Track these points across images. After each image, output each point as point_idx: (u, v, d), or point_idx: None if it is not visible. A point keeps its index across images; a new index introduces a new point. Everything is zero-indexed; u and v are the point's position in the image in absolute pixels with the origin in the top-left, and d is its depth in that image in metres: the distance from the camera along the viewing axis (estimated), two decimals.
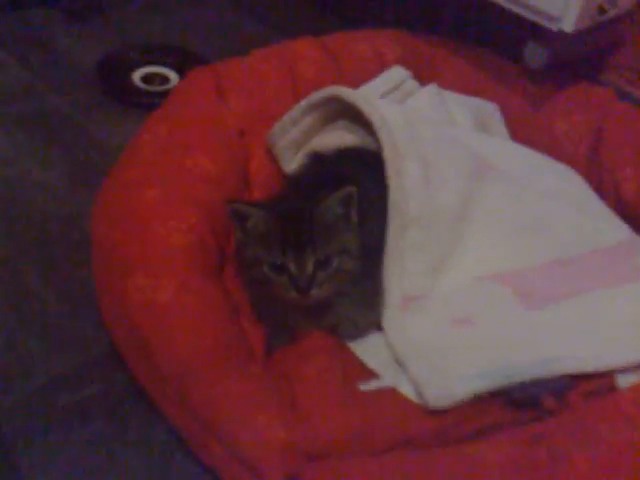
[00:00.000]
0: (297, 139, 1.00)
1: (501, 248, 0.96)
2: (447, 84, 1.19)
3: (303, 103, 0.98)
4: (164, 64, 1.42)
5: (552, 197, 1.01)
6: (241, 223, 0.83)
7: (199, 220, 0.88)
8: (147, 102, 1.28)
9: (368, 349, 0.89)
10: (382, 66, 1.16)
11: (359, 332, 0.91)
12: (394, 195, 0.88)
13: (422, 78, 1.19)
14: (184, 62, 1.39)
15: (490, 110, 1.16)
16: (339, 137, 0.97)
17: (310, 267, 0.80)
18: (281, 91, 1.09)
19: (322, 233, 0.82)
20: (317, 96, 0.96)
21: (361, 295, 0.89)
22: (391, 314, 0.90)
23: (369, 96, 0.94)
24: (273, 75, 1.11)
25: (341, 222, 0.84)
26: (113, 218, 0.88)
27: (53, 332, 0.93)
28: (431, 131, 0.98)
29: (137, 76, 1.40)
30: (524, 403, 0.78)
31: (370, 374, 0.86)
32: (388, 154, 0.89)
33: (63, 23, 1.52)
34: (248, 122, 1.06)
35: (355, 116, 0.95)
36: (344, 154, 0.97)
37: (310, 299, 0.81)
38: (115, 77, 1.38)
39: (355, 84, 1.11)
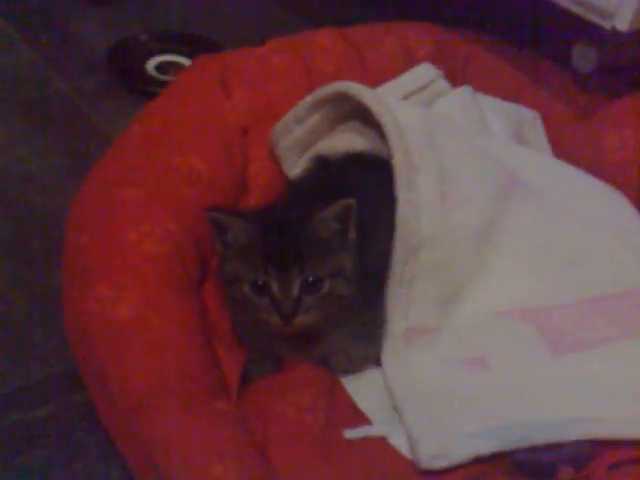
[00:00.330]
0: (301, 140, 0.88)
1: (528, 280, 0.82)
2: (483, 87, 1.05)
3: (308, 99, 0.86)
4: (181, 53, 1.33)
5: (593, 225, 0.87)
6: (221, 235, 0.72)
7: (180, 227, 0.78)
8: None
9: (361, 387, 0.78)
10: (411, 63, 1.03)
11: (353, 366, 0.79)
12: (403, 210, 0.76)
13: (455, 79, 1.06)
14: (202, 51, 1.28)
15: (530, 118, 1.02)
16: (348, 140, 0.85)
17: (295, 289, 0.69)
18: (294, 86, 0.97)
19: (312, 250, 0.70)
20: (323, 92, 0.84)
21: (358, 324, 0.77)
22: (392, 348, 0.78)
23: (382, 94, 0.82)
24: (286, 68, 0.99)
25: (337, 239, 0.72)
26: (84, 219, 0.78)
27: (15, 340, 0.84)
28: (456, 140, 0.86)
29: (152, 65, 1.31)
30: (535, 471, 0.65)
31: (360, 418, 0.74)
32: (399, 162, 0.76)
33: (80, 5, 1.43)
34: (252, 120, 0.95)
35: (368, 117, 0.83)
36: (352, 160, 0.85)
37: (294, 327, 0.70)
38: (128, 64, 1.29)
39: (379, 82, 0.99)
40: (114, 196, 0.78)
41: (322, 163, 0.86)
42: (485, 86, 1.06)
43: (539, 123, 1.03)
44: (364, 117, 0.84)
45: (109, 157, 0.85)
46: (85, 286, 0.71)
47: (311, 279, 0.70)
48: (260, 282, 0.69)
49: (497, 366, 0.77)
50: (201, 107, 0.92)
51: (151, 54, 1.32)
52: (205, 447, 0.62)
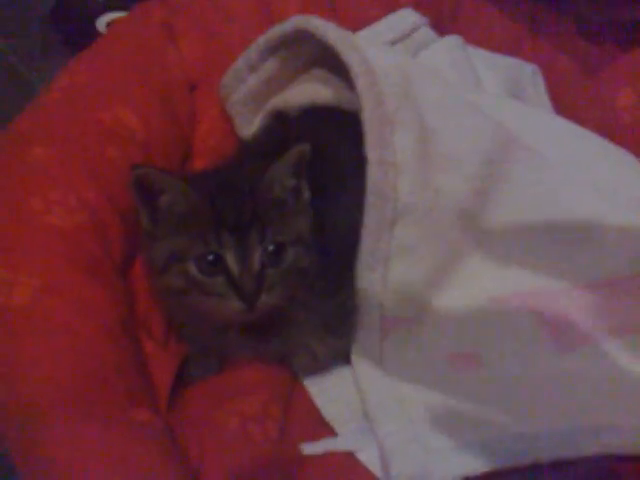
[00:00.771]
0: (256, 92, 0.74)
1: (527, 259, 0.68)
2: (474, 38, 0.91)
3: (261, 40, 0.71)
4: None
5: (605, 194, 0.72)
6: (150, 202, 0.57)
7: (100, 195, 0.63)
8: None
9: (327, 390, 0.64)
10: (391, 9, 0.89)
11: (320, 366, 0.65)
12: (374, 173, 0.61)
13: (442, 29, 0.91)
14: None
15: (528, 73, 0.87)
16: (311, 91, 0.71)
17: (257, 262, 0.56)
18: (251, 33, 0.81)
19: (270, 213, 0.57)
20: (279, 30, 0.69)
21: (323, 313, 0.62)
22: (364, 343, 0.64)
23: (351, 35, 0.67)
24: (242, 12, 0.84)
25: (292, 199, 0.58)
26: None
27: None
28: (440, 91, 0.71)
29: (102, 22, 1.15)
30: None
31: (324, 429, 0.60)
32: (369, 114, 0.61)
33: None
34: (203, 72, 0.80)
35: (334, 63, 0.68)
36: (316, 115, 0.70)
37: (257, 310, 0.56)
38: (75, 21, 1.14)
39: (353, 30, 0.84)
40: (21, 156, 0.63)
41: (280, 120, 0.71)
42: (477, 38, 0.92)
43: (539, 78, 0.88)
44: (329, 63, 0.69)
45: (25, 113, 0.70)
46: None
47: (272, 247, 0.56)
48: (211, 257, 0.55)
49: (491, 363, 0.63)
50: (140, 56, 0.77)
51: (103, 10, 1.16)
52: (110, 469, 0.48)
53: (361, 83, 0.62)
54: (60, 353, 0.53)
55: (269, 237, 0.56)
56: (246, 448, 0.56)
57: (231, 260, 0.55)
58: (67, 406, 0.50)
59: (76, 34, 1.12)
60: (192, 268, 0.56)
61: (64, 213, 0.60)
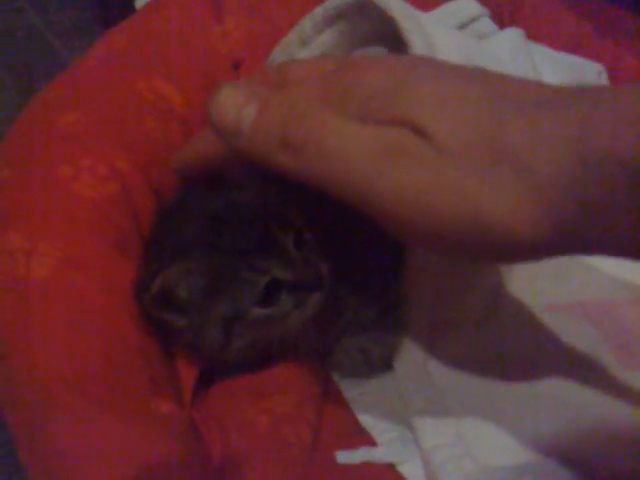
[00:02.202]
0: None
1: (591, 266, 0.62)
2: (536, 35, 0.85)
3: (318, 11, 0.66)
4: None
5: None
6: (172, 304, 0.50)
7: (133, 166, 0.58)
8: None
9: (365, 395, 0.58)
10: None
11: (372, 370, 0.59)
12: None
13: (501, 25, 0.86)
14: None
15: (593, 72, 0.82)
16: None
17: (292, 250, 0.51)
18: (301, 12, 0.77)
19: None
20: (338, 1, 0.64)
21: (379, 307, 0.57)
22: (411, 347, 0.58)
23: (415, 11, 0.62)
24: None
25: None
26: (12, 150, 0.59)
27: None
28: None
29: (141, 2, 1.12)
30: None
31: (361, 436, 0.55)
32: None
33: None
34: (248, 50, 0.75)
35: (396, 40, 0.63)
36: None
37: (327, 283, 0.52)
38: (114, 1, 1.10)
39: None
40: (51, 121, 0.59)
41: None
42: (539, 34, 0.86)
43: (604, 78, 0.82)
44: (391, 40, 0.64)
45: (56, 81, 0.66)
46: None
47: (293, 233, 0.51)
48: (262, 287, 0.50)
49: (548, 375, 0.57)
50: (183, 27, 0.73)
51: None
52: (127, 465, 0.43)
53: None
54: (81, 332, 0.48)
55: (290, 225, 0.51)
56: (276, 451, 0.50)
57: (279, 270, 0.50)
58: (84, 392, 0.45)
59: (115, 13, 1.08)
60: (256, 311, 0.50)
61: (94, 181, 0.55)
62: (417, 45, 0.58)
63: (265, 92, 0.43)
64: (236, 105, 0.42)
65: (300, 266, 0.50)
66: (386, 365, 0.59)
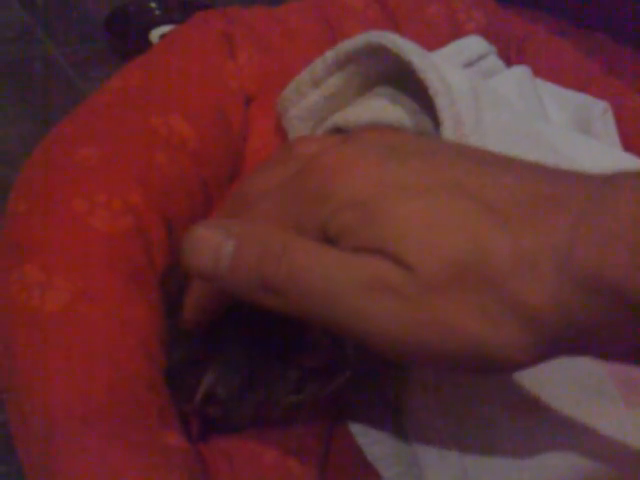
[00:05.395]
0: (317, 107, 0.70)
1: None
2: (543, 73, 0.87)
3: (330, 54, 0.67)
4: None
5: None
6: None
7: (147, 200, 0.60)
8: None
9: (372, 428, 0.58)
10: (456, 38, 0.85)
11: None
12: None
13: (508, 63, 0.87)
14: None
15: (598, 110, 0.83)
16: (377, 109, 0.67)
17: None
18: (314, 52, 0.78)
19: None
20: (349, 45, 0.65)
21: None
22: (414, 377, 0.59)
23: (427, 52, 0.63)
24: (307, 30, 0.81)
25: None
26: (28, 184, 0.61)
27: None
28: (507, 119, 0.67)
29: (156, 35, 1.14)
30: None
31: (367, 470, 0.55)
32: (449, 132, 0.58)
33: None
34: (260, 87, 0.77)
35: (406, 81, 0.65)
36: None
37: None
38: (129, 32, 1.13)
39: None
40: (66, 156, 0.60)
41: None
42: (545, 73, 0.87)
43: (610, 116, 0.84)
44: (400, 81, 0.66)
45: (74, 114, 0.68)
46: (11, 266, 0.54)
47: None
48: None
49: (552, 412, 0.58)
50: (197, 64, 0.75)
51: (157, 22, 1.15)
52: None
53: (441, 102, 0.58)
54: (92, 366, 0.49)
55: None
56: None
57: (310, 361, 0.49)
58: (94, 426, 0.46)
59: (130, 45, 1.11)
60: (288, 399, 0.50)
61: (108, 216, 0.56)
62: (435, 81, 0.59)
63: (241, 227, 0.40)
64: (212, 247, 0.39)
65: (327, 352, 0.49)
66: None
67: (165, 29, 1.14)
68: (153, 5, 1.17)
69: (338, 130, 0.69)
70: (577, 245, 0.32)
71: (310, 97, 0.69)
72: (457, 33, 0.87)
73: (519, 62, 0.87)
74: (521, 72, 0.82)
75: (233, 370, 0.48)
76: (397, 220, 0.35)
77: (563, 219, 0.33)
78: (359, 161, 0.37)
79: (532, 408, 0.58)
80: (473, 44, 0.82)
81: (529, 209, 0.34)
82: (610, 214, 0.32)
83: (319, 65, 0.68)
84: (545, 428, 0.57)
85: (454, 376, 0.59)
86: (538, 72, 0.86)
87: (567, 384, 0.60)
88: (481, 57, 0.82)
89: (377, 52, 0.64)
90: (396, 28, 0.85)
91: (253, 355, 0.48)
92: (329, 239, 0.37)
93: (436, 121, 0.61)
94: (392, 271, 0.35)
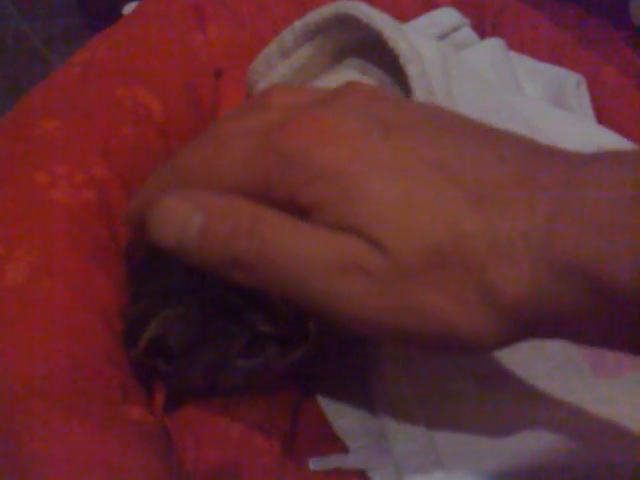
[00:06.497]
0: (286, 80, 0.69)
1: None
2: (517, 45, 0.86)
3: (298, 24, 0.66)
4: None
5: None
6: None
7: (111, 173, 0.59)
8: None
9: (339, 400, 0.58)
10: (430, 9, 0.84)
11: None
12: None
13: (482, 35, 0.87)
14: None
15: (572, 83, 0.82)
16: (347, 80, 0.66)
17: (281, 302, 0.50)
18: (285, 23, 0.78)
19: None
20: (318, 15, 0.64)
21: None
22: (385, 352, 0.59)
23: (397, 22, 0.62)
24: (274, 2, 0.80)
25: None
26: None
27: None
28: (478, 91, 0.66)
29: (128, 10, 1.12)
30: None
31: (334, 443, 0.55)
32: (421, 100, 0.57)
33: None
34: (230, 59, 0.76)
35: (375, 52, 0.64)
36: None
37: None
38: (101, 6, 1.10)
39: None
40: (29, 128, 0.59)
41: None
42: (520, 45, 0.87)
43: (584, 89, 0.83)
44: (369, 52, 0.65)
45: (39, 86, 0.67)
46: None
47: None
48: None
49: (521, 385, 0.58)
50: (165, 35, 0.73)
51: None
52: (99, 470, 0.43)
53: (412, 70, 0.57)
54: (52, 338, 0.48)
55: None
56: (248, 459, 0.50)
57: (264, 325, 0.48)
58: (54, 397, 0.46)
59: (102, 19, 1.09)
60: (240, 362, 0.50)
61: (70, 189, 0.55)
62: (405, 51, 0.58)
63: (209, 198, 0.38)
64: (179, 219, 0.38)
65: (286, 320, 0.48)
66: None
67: (139, 3, 1.12)
68: None
69: None
70: (555, 231, 0.32)
71: (279, 69, 0.68)
72: (430, 5, 0.86)
73: (494, 35, 0.86)
74: (495, 44, 0.81)
75: (184, 322, 0.47)
76: (375, 200, 0.34)
77: (542, 205, 0.33)
78: (341, 129, 0.36)
79: (501, 380, 0.58)
80: (446, 16, 0.81)
81: (509, 192, 0.34)
82: (589, 200, 0.32)
83: (288, 36, 0.67)
84: (514, 400, 0.57)
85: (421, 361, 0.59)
86: (512, 45, 0.86)
87: (536, 356, 0.60)
88: (454, 29, 0.81)
89: (347, 22, 0.63)
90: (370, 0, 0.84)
91: (207, 310, 0.47)
92: (299, 208, 0.36)
93: (407, 93, 0.60)
94: (367, 253, 0.34)
